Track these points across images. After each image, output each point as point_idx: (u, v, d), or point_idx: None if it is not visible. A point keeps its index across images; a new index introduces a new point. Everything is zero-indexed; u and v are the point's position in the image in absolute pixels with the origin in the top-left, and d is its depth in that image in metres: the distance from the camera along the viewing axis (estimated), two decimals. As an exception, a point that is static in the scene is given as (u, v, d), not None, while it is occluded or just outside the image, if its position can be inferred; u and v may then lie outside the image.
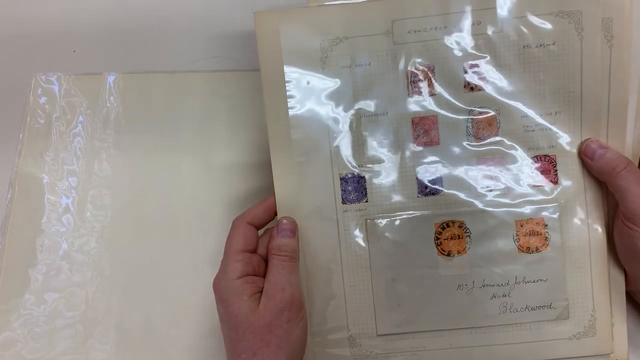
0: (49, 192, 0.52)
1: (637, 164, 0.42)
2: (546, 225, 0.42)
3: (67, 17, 0.58)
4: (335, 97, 0.43)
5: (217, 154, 0.52)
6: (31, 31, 0.57)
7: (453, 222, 0.43)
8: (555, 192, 0.42)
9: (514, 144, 0.43)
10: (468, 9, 0.42)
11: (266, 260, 0.42)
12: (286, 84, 0.43)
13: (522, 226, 0.42)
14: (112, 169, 0.52)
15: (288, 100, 0.43)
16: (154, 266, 0.50)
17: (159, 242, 0.50)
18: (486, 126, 0.43)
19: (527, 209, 0.42)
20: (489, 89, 0.42)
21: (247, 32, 0.56)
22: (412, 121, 0.43)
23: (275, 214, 0.43)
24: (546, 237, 0.42)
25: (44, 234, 0.51)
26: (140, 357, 0.48)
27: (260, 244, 0.43)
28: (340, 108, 0.43)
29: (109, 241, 0.50)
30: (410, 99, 0.43)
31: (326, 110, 0.43)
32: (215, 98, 0.54)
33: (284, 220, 0.42)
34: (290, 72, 0.43)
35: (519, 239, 0.42)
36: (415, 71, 0.43)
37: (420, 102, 0.43)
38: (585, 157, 0.41)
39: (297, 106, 0.43)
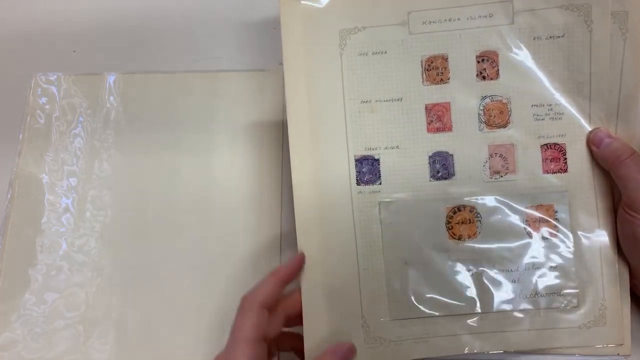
0: (49, 192, 0.52)
1: None
2: (556, 212, 0.43)
3: (67, 17, 0.58)
4: (352, 83, 0.45)
5: (217, 153, 0.52)
6: (31, 31, 0.57)
7: (464, 206, 0.44)
8: (565, 180, 0.43)
9: (524, 132, 0.43)
10: (481, 1, 0.43)
11: (271, 346, 0.40)
12: (304, 71, 0.45)
13: (532, 212, 0.43)
14: (112, 169, 0.52)
15: (307, 86, 0.45)
16: (154, 266, 0.50)
17: (159, 242, 0.50)
18: (497, 114, 0.44)
19: (537, 196, 0.43)
20: (500, 79, 0.44)
21: (247, 32, 0.56)
22: (426, 107, 0.44)
23: (287, 283, 0.41)
24: (555, 225, 0.43)
25: (44, 234, 0.51)
26: (140, 357, 0.48)
27: (270, 324, 0.39)
28: (357, 94, 0.45)
29: (109, 241, 0.50)
30: (424, 86, 0.44)
31: (343, 95, 0.45)
32: (215, 98, 0.54)
33: (347, 346, 0.40)
34: (311, 59, 0.45)
35: (528, 224, 0.43)
36: (430, 60, 0.44)
37: (433, 90, 0.44)
38: (592, 145, 0.42)
39: (316, 92, 0.45)
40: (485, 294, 0.43)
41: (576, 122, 0.43)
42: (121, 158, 0.52)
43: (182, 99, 0.54)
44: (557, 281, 0.42)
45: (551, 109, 0.43)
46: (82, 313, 0.49)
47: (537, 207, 0.43)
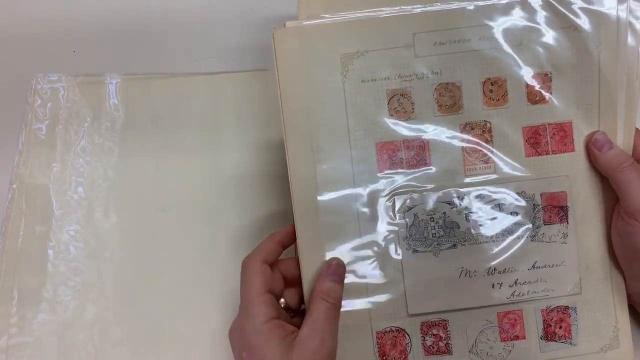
0: (50, 192, 0.51)
1: None
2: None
3: (67, 17, 0.58)
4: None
5: (223, 155, 0.52)
6: (31, 31, 0.57)
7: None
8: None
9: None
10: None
11: (279, 300, 0.40)
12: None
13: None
14: (115, 172, 0.52)
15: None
16: (162, 270, 0.49)
17: (165, 247, 0.50)
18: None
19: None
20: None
21: (247, 32, 0.56)
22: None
23: (285, 247, 0.41)
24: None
25: (44, 235, 0.50)
26: (140, 357, 0.48)
27: (273, 281, 0.39)
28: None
29: (113, 245, 0.50)
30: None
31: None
32: (219, 99, 0.53)
33: (335, 262, 0.40)
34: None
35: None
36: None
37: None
38: (593, 147, 0.41)
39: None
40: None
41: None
42: (124, 161, 0.52)
43: (186, 101, 0.53)
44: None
45: None
46: (83, 315, 0.48)
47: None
